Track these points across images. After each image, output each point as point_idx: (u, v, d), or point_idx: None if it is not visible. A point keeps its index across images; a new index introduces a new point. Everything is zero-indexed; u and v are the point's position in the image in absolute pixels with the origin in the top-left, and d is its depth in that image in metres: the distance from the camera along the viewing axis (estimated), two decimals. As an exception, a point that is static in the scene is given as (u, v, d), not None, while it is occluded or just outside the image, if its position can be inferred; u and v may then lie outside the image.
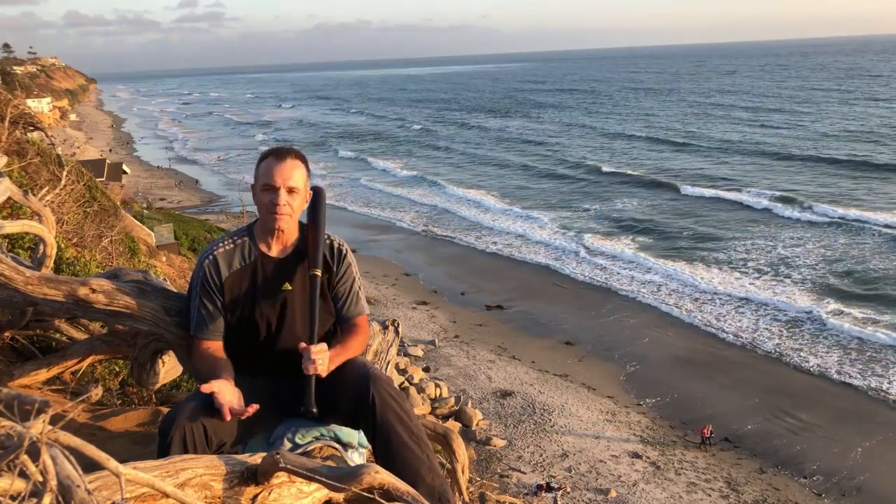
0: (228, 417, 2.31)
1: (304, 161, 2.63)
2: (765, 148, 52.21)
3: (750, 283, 26.44)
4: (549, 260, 30.82)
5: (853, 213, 33.91)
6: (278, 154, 2.57)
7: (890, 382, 18.89)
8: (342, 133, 79.13)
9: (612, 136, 63.58)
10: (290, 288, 2.63)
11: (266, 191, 2.54)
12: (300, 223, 2.70)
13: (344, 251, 2.72)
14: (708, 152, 52.79)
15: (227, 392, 2.34)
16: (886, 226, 31.73)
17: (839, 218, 33.37)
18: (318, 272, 2.58)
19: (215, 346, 2.62)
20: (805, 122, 64.52)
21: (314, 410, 2.40)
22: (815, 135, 56.82)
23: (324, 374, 2.45)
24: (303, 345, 2.45)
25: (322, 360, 2.44)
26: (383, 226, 38.17)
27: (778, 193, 38.49)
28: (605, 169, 48.10)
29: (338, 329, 2.74)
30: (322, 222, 2.68)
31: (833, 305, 23.85)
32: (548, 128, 72.75)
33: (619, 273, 28.54)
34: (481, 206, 40.69)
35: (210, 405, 2.35)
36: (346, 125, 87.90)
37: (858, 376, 19.34)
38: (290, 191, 2.54)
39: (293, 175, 2.54)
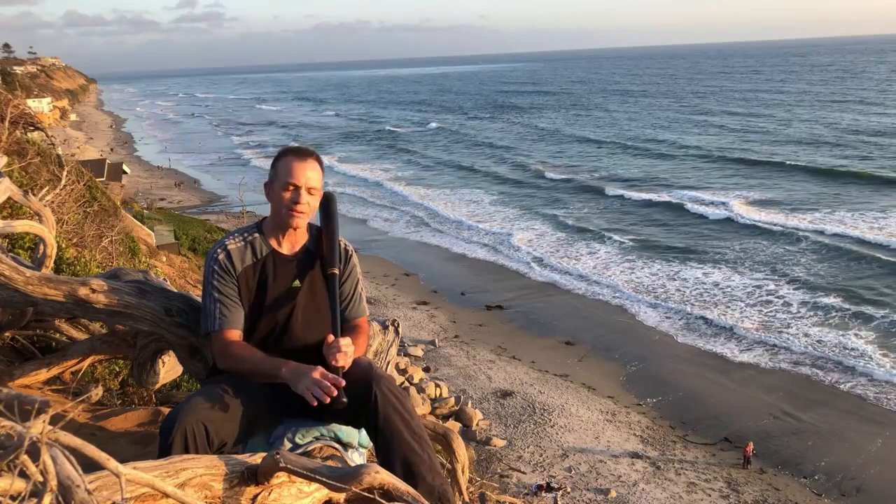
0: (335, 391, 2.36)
1: (322, 165, 2.69)
2: (744, 155, 51.15)
3: (742, 285, 26.48)
4: (531, 262, 30.81)
5: (832, 226, 33.27)
6: (300, 154, 2.62)
7: (888, 382, 18.92)
8: (313, 135, 79.07)
9: (592, 143, 62.67)
10: (299, 286, 2.65)
11: (287, 189, 2.57)
12: (310, 225, 2.73)
13: (350, 252, 2.76)
14: (684, 159, 52.00)
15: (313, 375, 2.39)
16: (859, 239, 31.16)
17: (816, 230, 32.67)
18: (337, 270, 2.62)
19: (240, 336, 2.61)
20: (785, 126, 63.87)
21: (344, 400, 2.37)
22: (792, 141, 56.00)
23: (346, 368, 2.45)
24: (331, 337, 2.46)
25: (350, 353, 2.45)
26: (361, 225, 38.10)
27: (755, 200, 38.55)
28: (554, 176, 48.02)
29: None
30: (336, 223, 2.73)
31: (830, 303, 23.91)
32: (509, 131, 73.11)
33: (612, 275, 28.54)
34: (431, 211, 40.69)
35: (211, 405, 2.35)
36: (320, 126, 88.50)
37: (857, 377, 19.35)
38: (310, 191, 2.59)
39: (314, 176, 2.60)
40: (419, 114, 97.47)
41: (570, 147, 60.91)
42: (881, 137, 54.69)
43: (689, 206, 38.15)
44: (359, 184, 50.07)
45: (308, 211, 2.61)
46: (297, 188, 2.56)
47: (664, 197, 40.45)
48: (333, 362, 2.41)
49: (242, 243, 2.65)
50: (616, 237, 33.29)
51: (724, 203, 38.17)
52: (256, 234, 2.67)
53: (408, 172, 53.67)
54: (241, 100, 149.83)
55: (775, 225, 33.61)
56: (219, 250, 2.63)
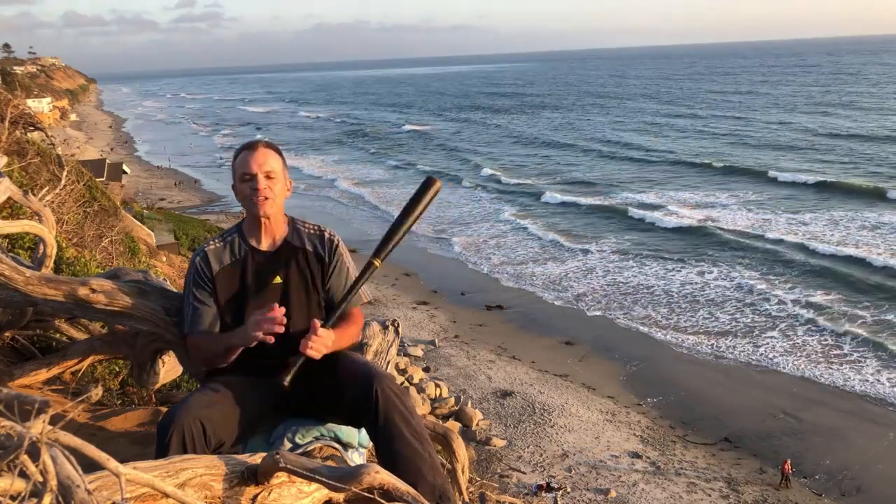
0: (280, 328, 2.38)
1: (277, 150, 2.67)
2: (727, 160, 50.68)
3: (735, 286, 26.49)
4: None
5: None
6: (250, 146, 2.63)
7: (887, 382, 18.93)
8: (291, 136, 79.09)
9: (565, 147, 62.08)
10: (280, 281, 2.64)
11: (245, 181, 2.57)
12: (291, 218, 2.72)
13: (335, 241, 2.73)
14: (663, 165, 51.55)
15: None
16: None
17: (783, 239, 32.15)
18: (377, 262, 2.51)
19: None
20: (770, 131, 63.15)
21: (286, 384, 2.35)
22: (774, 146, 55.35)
23: (316, 357, 2.41)
24: (316, 322, 2.42)
25: (326, 347, 2.41)
26: (347, 225, 38.08)
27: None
28: (509, 181, 48.14)
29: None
30: (414, 213, 2.55)
31: (826, 302, 23.94)
32: (484, 133, 73.60)
33: (594, 278, 28.47)
34: (391, 214, 40.54)
35: (209, 404, 2.35)
36: (299, 127, 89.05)
37: (857, 377, 19.36)
38: (268, 176, 2.57)
39: (267, 161, 2.58)
40: (399, 115, 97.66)
41: (538, 151, 60.77)
42: (871, 143, 54.09)
43: (660, 213, 37.55)
44: (329, 185, 50.09)
45: (272, 196, 2.57)
46: (252, 176, 2.55)
47: (647, 200, 40.27)
48: (303, 348, 2.37)
49: (222, 244, 2.67)
50: (592, 245, 32.91)
51: (715, 206, 38.21)
52: (236, 235, 2.68)
53: (376, 175, 53.81)
54: (227, 101, 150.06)
55: (757, 231, 33.27)
56: (198, 255, 2.66)
